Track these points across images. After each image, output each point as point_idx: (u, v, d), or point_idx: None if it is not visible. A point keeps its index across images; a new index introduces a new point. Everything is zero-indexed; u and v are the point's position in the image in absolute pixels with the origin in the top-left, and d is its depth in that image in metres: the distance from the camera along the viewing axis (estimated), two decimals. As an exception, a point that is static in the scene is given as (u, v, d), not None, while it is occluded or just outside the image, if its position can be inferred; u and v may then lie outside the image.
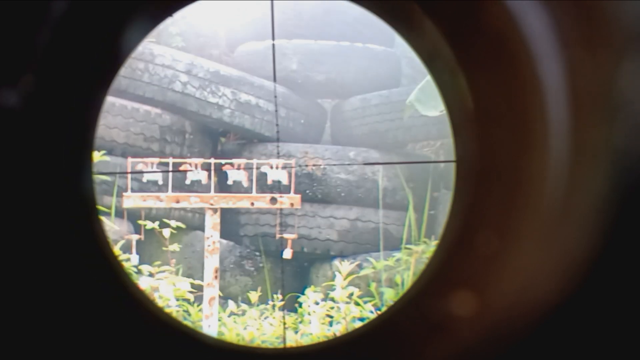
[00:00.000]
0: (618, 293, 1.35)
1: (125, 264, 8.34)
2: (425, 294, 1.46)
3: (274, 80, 9.29)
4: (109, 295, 1.38)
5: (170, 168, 8.28)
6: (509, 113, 1.38)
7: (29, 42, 1.30)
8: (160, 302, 8.26)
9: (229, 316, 8.79)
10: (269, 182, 8.33)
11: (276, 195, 7.74)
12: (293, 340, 8.32)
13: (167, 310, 7.93)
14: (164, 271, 8.57)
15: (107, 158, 8.98)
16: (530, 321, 1.37)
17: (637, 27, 1.29)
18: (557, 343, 1.36)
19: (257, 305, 8.99)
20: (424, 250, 9.31)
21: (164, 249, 8.90)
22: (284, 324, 8.25)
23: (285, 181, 8.34)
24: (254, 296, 9.04)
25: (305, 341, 8.20)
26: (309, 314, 8.63)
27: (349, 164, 10.04)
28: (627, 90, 1.29)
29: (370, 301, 8.88)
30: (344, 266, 8.85)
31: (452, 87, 1.47)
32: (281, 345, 7.35)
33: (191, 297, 8.47)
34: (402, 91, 10.25)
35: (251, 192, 7.96)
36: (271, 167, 8.31)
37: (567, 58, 1.32)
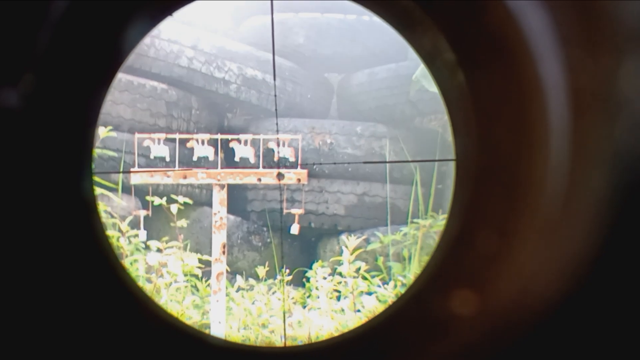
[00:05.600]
0: (619, 292, 1.35)
1: (133, 240, 8.38)
2: (425, 293, 1.47)
3: (274, 76, 9.26)
4: (109, 295, 1.39)
5: (177, 144, 8.28)
6: (509, 112, 1.38)
7: (28, 42, 1.30)
8: (168, 278, 8.31)
9: (237, 291, 8.84)
10: (276, 158, 8.34)
11: (283, 171, 7.73)
12: (301, 314, 8.36)
13: (168, 310, 7.98)
14: (172, 247, 8.60)
15: (114, 134, 8.99)
16: (530, 320, 1.38)
17: (637, 26, 1.28)
18: (558, 342, 1.37)
19: (265, 280, 9.03)
20: (431, 225, 9.32)
21: (172, 224, 8.92)
22: (285, 322, 8.27)
23: (292, 157, 8.35)
24: (261, 271, 9.08)
25: (312, 316, 8.24)
26: (317, 288, 8.67)
27: (349, 163, 10.01)
28: (628, 89, 1.29)
29: (377, 275, 8.91)
30: (351, 241, 8.86)
31: (451, 86, 1.47)
32: (282, 344, 7.38)
33: (199, 272, 8.51)
34: (409, 65, 10.21)
35: (258, 168, 7.97)
36: (278, 144, 8.31)
37: (567, 57, 1.32)
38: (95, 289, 1.37)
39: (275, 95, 9.17)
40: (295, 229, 8.32)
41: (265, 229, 10.00)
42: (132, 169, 7.89)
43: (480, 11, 1.34)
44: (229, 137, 8.54)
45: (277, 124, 8.80)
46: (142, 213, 8.26)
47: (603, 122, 1.31)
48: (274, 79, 9.87)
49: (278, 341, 7.92)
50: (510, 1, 1.32)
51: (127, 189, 9.10)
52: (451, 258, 1.46)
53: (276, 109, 8.72)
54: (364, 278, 8.72)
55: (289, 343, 7.70)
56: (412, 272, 9.00)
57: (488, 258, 1.40)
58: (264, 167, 7.98)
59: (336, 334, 1.50)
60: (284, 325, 8.11)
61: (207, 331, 7.20)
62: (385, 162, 10.15)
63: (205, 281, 8.39)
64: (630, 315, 1.35)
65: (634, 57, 1.28)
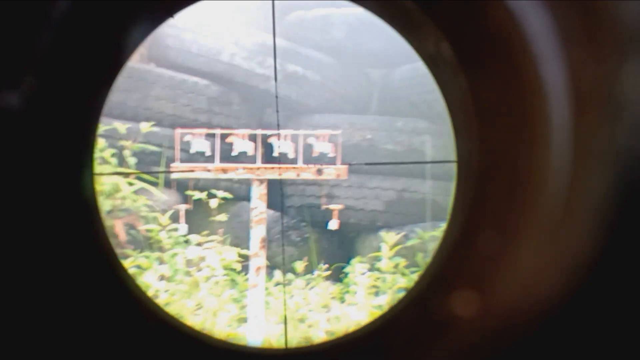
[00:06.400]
0: (620, 292, 1.34)
1: (173, 234, 8.46)
2: (427, 294, 1.46)
3: (275, 77, 9.26)
4: (109, 295, 1.41)
5: (217, 139, 8.33)
6: (510, 113, 1.37)
7: (30, 43, 1.32)
8: (207, 271, 8.37)
9: (274, 286, 8.88)
10: (315, 153, 8.35)
11: (322, 167, 7.74)
12: (339, 310, 8.37)
13: (168, 310, 8.03)
14: (211, 241, 8.67)
15: (155, 129, 9.09)
16: (532, 320, 1.37)
17: (638, 26, 1.27)
18: (560, 342, 1.36)
19: (303, 275, 9.05)
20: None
21: (211, 219, 8.99)
22: (285, 323, 8.27)
23: (331, 152, 8.36)
24: (299, 266, 9.10)
25: (350, 311, 8.25)
26: (355, 284, 8.67)
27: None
28: (629, 90, 1.28)
29: (416, 271, 8.87)
30: (390, 237, 8.85)
31: (452, 87, 1.46)
32: (283, 346, 7.40)
33: (238, 266, 8.56)
34: (450, 60, 10.10)
35: (297, 163, 7.98)
36: (316, 138, 8.32)
37: (568, 58, 1.30)
38: (95, 289, 1.39)
39: (275, 90, 9.18)
40: (333, 225, 8.33)
41: (303, 224, 10.02)
42: (172, 164, 7.96)
43: (481, 11, 1.33)
44: (269, 132, 8.58)
45: (277, 119, 8.79)
46: (183, 207, 8.34)
47: (604, 122, 1.30)
48: (275, 79, 9.87)
49: (316, 336, 7.95)
50: (511, 1, 1.31)
51: (168, 183, 9.20)
52: (453, 259, 1.45)
53: (277, 102, 8.70)
54: (403, 274, 8.70)
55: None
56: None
57: (490, 259, 1.39)
58: (303, 162, 8.00)
59: (337, 336, 1.50)
60: (285, 327, 8.11)
61: (237, 333, 7.24)
62: (392, 163, 10.08)
63: (244, 275, 8.43)
64: (631, 315, 1.33)
65: (636, 57, 1.27)
